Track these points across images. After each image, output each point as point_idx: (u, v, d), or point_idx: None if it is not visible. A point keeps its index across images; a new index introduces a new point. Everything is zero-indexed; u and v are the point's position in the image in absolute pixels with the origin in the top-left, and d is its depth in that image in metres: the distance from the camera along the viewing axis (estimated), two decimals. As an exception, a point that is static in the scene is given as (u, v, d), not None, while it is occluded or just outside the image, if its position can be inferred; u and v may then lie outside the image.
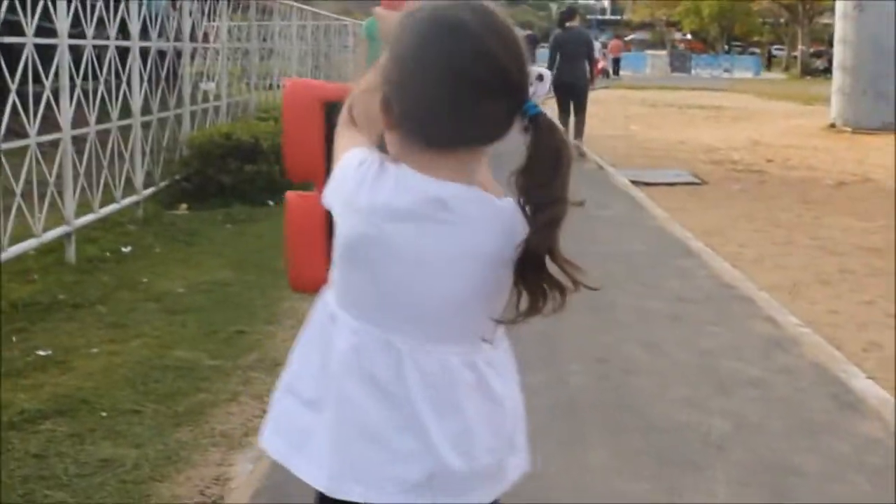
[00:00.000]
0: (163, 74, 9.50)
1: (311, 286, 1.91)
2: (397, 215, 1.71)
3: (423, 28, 1.72)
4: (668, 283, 6.88)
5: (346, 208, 1.76)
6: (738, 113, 26.38)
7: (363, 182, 1.74)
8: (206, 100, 11.03)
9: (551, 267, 1.69)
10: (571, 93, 14.21)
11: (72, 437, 4.04)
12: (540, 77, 1.75)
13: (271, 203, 9.51)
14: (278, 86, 14.88)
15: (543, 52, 24.42)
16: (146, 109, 9.03)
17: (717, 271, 7.31)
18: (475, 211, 1.72)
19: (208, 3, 11.08)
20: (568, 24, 14.90)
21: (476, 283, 1.74)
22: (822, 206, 10.86)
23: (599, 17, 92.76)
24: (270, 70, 14.71)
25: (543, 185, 1.68)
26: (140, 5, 8.81)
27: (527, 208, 1.69)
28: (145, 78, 8.91)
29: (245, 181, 9.52)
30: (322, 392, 1.82)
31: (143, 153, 8.87)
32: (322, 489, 1.82)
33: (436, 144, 1.72)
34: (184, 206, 9.32)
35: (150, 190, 9.08)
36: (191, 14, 10.41)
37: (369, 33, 8.75)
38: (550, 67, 13.57)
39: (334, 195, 1.80)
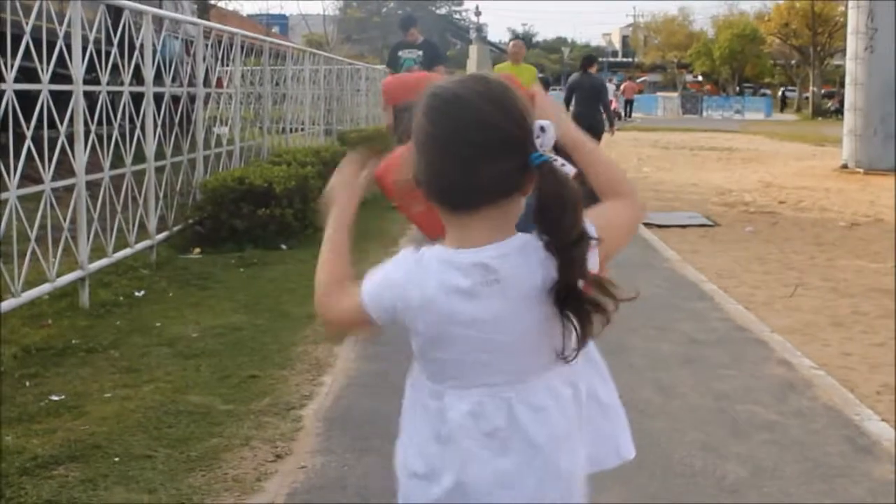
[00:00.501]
0: (176, 119, 9.56)
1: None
2: (455, 294, 1.92)
3: (426, 106, 1.94)
4: (682, 325, 6.87)
5: (405, 313, 1.99)
6: (749, 154, 26.42)
7: (393, 285, 2.01)
8: (219, 144, 11.09)
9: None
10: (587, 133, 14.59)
11: (84, 482, 4.03)
12: (542, 129, 1.89)
13: (284, 247, 9.55)
14: (291, 129, 14.97)
15: (555, 93, 24.50)
16: (160, 154, 9.08)
17: (731, 314, 7.31)
18: (514, 260, 1.90)
19: (222, 48, 11.17)
20: (589, 70, 15.58)
21: (540, 312, 1.90)
22: (834, 248, 10.85)
23: (611, 59, 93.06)
24: (283, 114, 14.79)
25: (555, 226, 1.85)
26: (154, 52, 8.88)
27: (556, 251, 1.86)
28: (159, 123, 8.97)
29: (258, 225, 9.55)
30: (437, 463, 2.00)
31: (157, 198, 8.91)
32: None
33: (460, 209, 1.93)
34: (197, 250, 9.35)
35: (164, 234, 9.11)
36: (204, 59, 10.48)
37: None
38: (567, 109, 14.33)
39: (376, 296, 2.05)
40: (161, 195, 9.08)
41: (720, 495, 4.05)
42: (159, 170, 9.04)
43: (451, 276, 1.92)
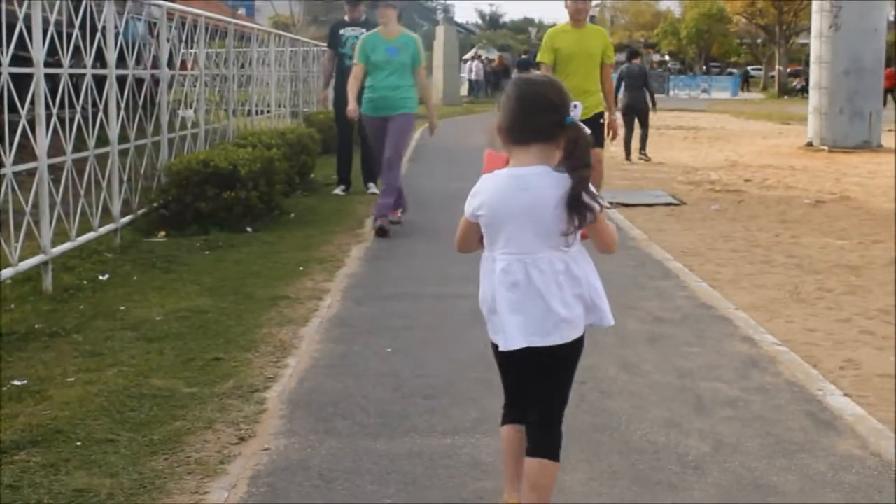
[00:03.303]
0: (140, 102, 9.48)
1: None
2: (503, 196, 3.26)
3: (512, 84, 3.38)
4: (647, 303, 6.89)
5: (479, 208, 3.31)
6: (715, 133, 26.52)
7: (477, 192, 3.33)
8: (184, 127, 11.02)
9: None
10: (635, 113, 18.72)
11: (46, 467, 4.01)
12: (574, 106, 3.24)
13: (249, 229, 9.52)
14: (257, 112, 14.89)
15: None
16: (123, 137, 9.01)
17: (695, 291, 7.33)
18: (541, 180, 3.22)
19: (186, 30, 11.09)
20: (634, 61, 19.52)
21: (551, 215, 3.20)
22: (799, 226, 10.92)
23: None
24: (249, 97, 14.70)
25: (573, 157, 3.19)
26: (117, 34, 8.80)
27: (570, 172, 3.19)
28: (122, 106, 8.89)
29: (223, 208, 9.51)
30: (495, 303, 3.34)
31: (121, 181, 8.85)
32: (501, 348, 3.34)
33: (520, 143, 3.27)
34: (162, 233, 9.31)
35: (128, 218, 9.06)
36: (168, 41, 10.41)
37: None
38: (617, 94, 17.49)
39: (471, 204, 3.35)
40: (125, 178, 9.02)
41: (683, 471, 4.06)
42: (123, 153, 8.98)
43: (506, 183, 3.26)
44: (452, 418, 4.65)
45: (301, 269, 7.97)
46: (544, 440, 3.38)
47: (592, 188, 3.22)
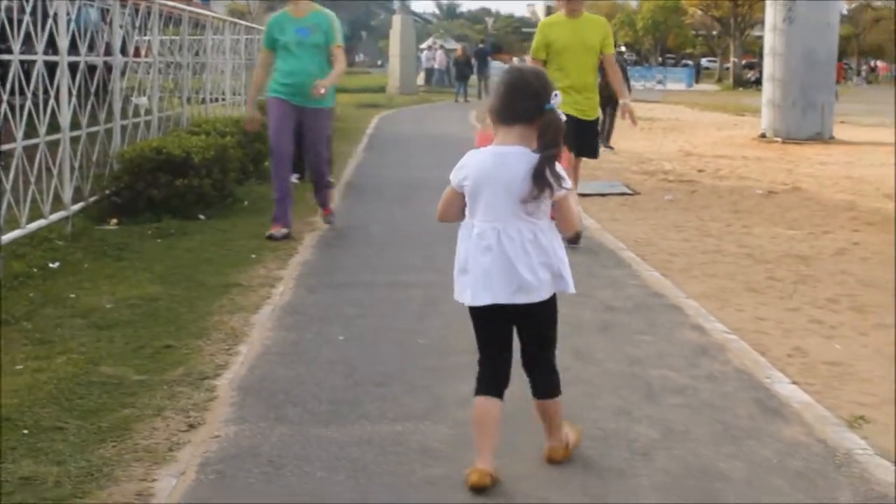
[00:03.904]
0: (92, 89, 9.40)
1: None
2: (484, 169, 3.75)
3: (504, 72, 3.92)
4: (599, 292, 6.92)
5: (464, 179, 3.79)
6: (670, 124, 26.65)
7: (463, 165, 3.83)
8: (136, 114, 10.93)
9: None
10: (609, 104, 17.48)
11: (-8, 455, 3.97)
12: (555, 95, 3.72)
13: (202, 217, 9.46)
14: (212, 100, 14.80)
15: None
16: (75, 124, 8.93)
17: (647, 280, 7.38)
18: (517, 158, 3.69)
19: (139, 17, 10.99)
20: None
21: (523, 187, 3.66)
22: (751, 216, 11.00)
23: (532, 30, 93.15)
24: (203, 84, 14.60)
25: (545, 138, 3.67)
26: (69, 21, 8.72)
27: (541, 150, 3.66)
28: (73, 93, 8.81)
29: (176, 195, 9.45)
30: (467, 263, 3.79)
31: (72, 168, 8.78)
32: (468, 303, 3.80)
33: (506, 123, 3.76)
34: (114, 220, 9.23)
35: (79, 205, 8.98)
36: (122, 27, 10.32)
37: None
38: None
39: (457, 175, 3.83)
40: (77, 165, 8.94)
41: (631, 457, 4.09)
42: (75, 140, 8.90)
43: (488, 158, 3.76)
44: (403, 405, 4.65)
45: (254, 256, 7.94)
46: (545, 382, 3.97)
47: (561, 171, 3.70)
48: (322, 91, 8.57)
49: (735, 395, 4.90)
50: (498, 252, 3.71)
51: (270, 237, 8.67)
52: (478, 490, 3.72)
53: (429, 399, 4.72)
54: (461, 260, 3.81)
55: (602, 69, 9.22)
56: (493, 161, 3.74)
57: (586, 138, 8.83)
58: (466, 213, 3.82)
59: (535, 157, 3.65)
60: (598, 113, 9.21)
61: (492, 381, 3.88)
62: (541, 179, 3.64)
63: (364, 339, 5.76)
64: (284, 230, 8.82)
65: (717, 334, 5.99)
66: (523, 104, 3.71)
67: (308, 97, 8.67)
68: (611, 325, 6.16)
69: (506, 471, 3.86)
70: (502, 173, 3.70)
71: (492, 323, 3.84)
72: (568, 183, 3.74)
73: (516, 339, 3.95)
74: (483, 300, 3.74)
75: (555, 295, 3.84)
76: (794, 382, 5.18)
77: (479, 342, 3.92)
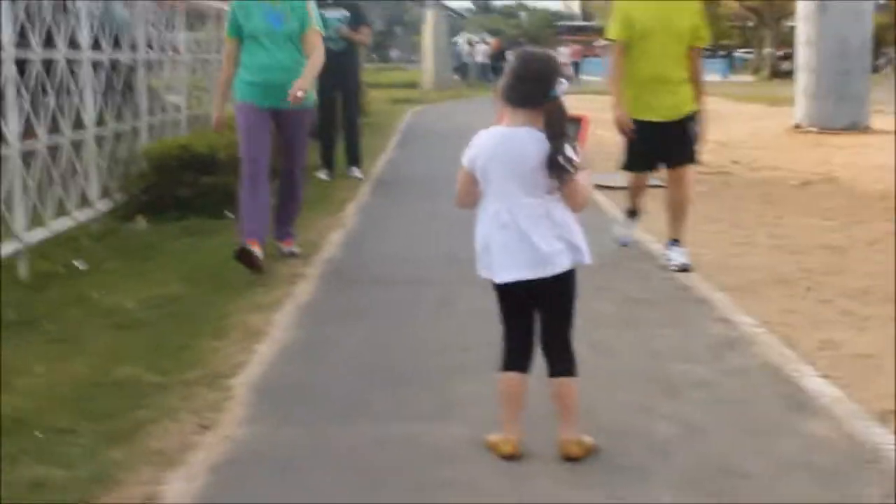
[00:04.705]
0: (118, 87, 9.39)
1: None
2: (493, 148, 3.89)
3: (515, 55, 3.96)
4: (625, 285, 6.82)
5: (475, 158, 3.93)
6: (706, 115, 26.37)
7: (473, 145, 3.97)
8: (164, 111, 10.93)
9: None
10: None
11: (4, 459, 3.93)
12: (562, 82, 3.80)
13: (229, 214, 9.42)
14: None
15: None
16: (101, 122, 8.93)
17: (674, 273, 7.26)
18: (524, 137, 3.82)
19: (165, 14, 11.00)
20: None
21: (531, 167, 3.79)
22: (784, 206, 10.84)
23: (570, 23, 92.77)
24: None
25: (550, 126, 3.77)
26: (91, 17, 8.72)
27: (549, 139, 3.76)
28: (99, 90, 8.81)
29: (202, 193, 9.41)
30: (484, 240, 3.93)
31: (98, 167, 8.77)
32: (494, 280, 3.94)
33: (514, 105, 3.85)
34: (141, 219, 9.21)
35: (106, 204, 8.98)
36: (153, 25, 10.32)
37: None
38: None
39: (468, 155, 3.98)
40: (103, 164, 8.94)
41: (651, 455, 4.00)
42: (100, 138, 8.90)
43: (496, 138, 3.90)
44: (417, 405, 4.58)
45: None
46: (560, 361, 4.00)
47: (570, 153, 3.78)
48: (301, 94, 7.17)
49: (761, 390, 4.80)
50: (514, 229, 3.82)
51: (243, 253, 7.06)
52: (510, 458, 3.91)
53: (442, 399, 4.64)
54: (481, 238, 3.94)
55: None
56: (502, 140, 3.87)
57: (676, 141, 7.55)
58: (482, 192, 3.95)
59: (541, 137, 3.77)
60: (693, 106, 7.71)
61: (516, 355, 4.00)
62: (554, 167, 3.76)
63: (381, 338, 5.71)
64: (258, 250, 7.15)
65: (745, 327, 5.87)
66: (530, 88, 3.81)
67: (283, 98, 7.18)
68: (635, 318, 6.07)
69: (520, 468, 3.79)
70: (511, 152, 3.84)
71: (515, 297, 3.95)
72: (577, 161, 3.82)
73: None
74: (506, 277, 3.87)
75: (574, 270, 3.94)
76: (822, 376, 5.05)
77: (503, 316, 4.03)
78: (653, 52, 7.39)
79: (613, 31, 7.60)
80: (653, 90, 7.46)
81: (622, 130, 7.64)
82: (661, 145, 7.43)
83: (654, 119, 7.45)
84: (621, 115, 7.57)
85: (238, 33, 7.40)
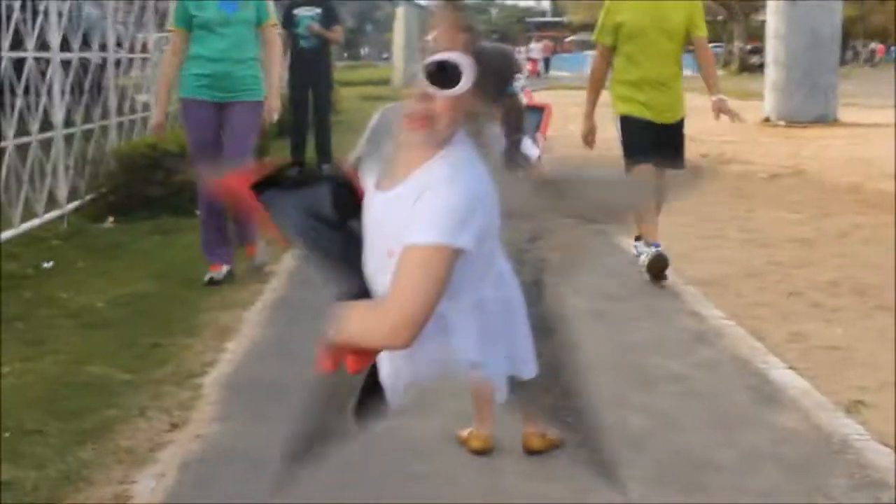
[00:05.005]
0: (86, 87, 9.35)
1: None
2: None
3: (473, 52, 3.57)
4: (594, 280, 6.83)
5: None
6: (676, 110, 26.46)
7: None
8: (133, 111, 10.88)
9: None
10: None
11: (-27, 459, 3.92)
12: (518, 79, 3.75)
13: (199, 213, 9.38)
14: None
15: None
16: (70, 121, 8.88)
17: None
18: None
19: (133, 14, 10.95)
20: None
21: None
22: (754, 200, 10.90)
23: (540, 19, 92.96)
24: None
25: (507, 124, 3.67)
26: (60, 17, 8.67)
27: (506, 137, 3.68)
28: (67, 90, 8.76)
29: (172, 192, 9.37)
30: None
31: (66, 166, 8.72)
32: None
33: None
34: (110, 219, 9.16)
35: (75, 204, 8.93)
36: (123, 24, 10.27)
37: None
38: None
39: None
40: (71, 164, 8.88)
41: (621, 447, 4.01)
42: (69, 137, 8.85)
43: None
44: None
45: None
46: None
47: (529, 148, 3.89)
48: (276, 116, 7.14)
49: (731, 383, 4.83)
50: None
51: (211, 281, 6.91)
52: (481, 453, 3.93)
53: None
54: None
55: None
56: None
57: (665, 145, 7.17)
58: None
59: (498, 133, 3.70)
60: (683, 112, 7.52)
61: None
62: (512, 163, 3.74)
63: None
64: (226, 267, 7.07)
65: (715, 320, 5.91)
66: (485, 84, 3.67)
67: (234, 90, 6.79)
68: (607, 312, 6.08)
69: (491, 464, 3.80)
70: None
71: None
72: (535, 159, 3.98)
73: None
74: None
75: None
76: (791, 368, 5.10)
77: None
78: (642, 53, 7.13)
79: (599, 34, 7.36)
80: (645, 89, 7.24)
81: (587, 143, 7.46)
82: (650, 144, 7.25)
83: (649, 118, 7.24)
84: (589, 130, 7.39)
85: (187, 24, 6.79)
